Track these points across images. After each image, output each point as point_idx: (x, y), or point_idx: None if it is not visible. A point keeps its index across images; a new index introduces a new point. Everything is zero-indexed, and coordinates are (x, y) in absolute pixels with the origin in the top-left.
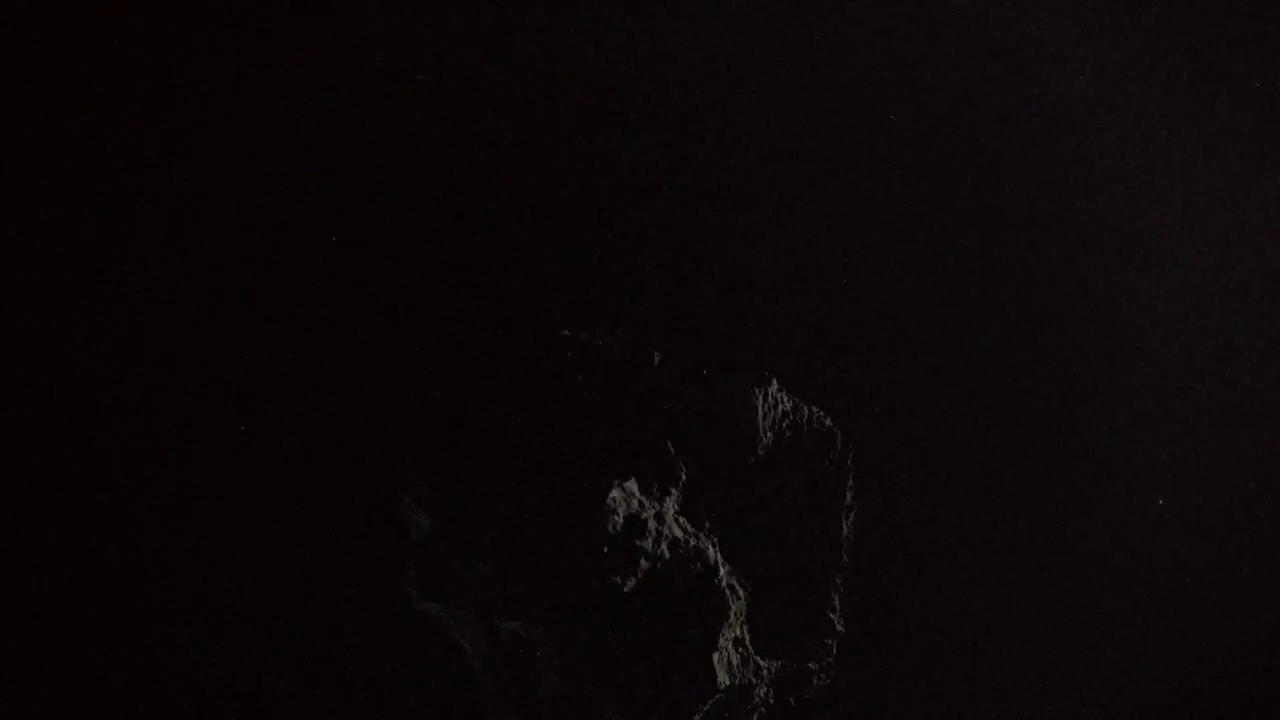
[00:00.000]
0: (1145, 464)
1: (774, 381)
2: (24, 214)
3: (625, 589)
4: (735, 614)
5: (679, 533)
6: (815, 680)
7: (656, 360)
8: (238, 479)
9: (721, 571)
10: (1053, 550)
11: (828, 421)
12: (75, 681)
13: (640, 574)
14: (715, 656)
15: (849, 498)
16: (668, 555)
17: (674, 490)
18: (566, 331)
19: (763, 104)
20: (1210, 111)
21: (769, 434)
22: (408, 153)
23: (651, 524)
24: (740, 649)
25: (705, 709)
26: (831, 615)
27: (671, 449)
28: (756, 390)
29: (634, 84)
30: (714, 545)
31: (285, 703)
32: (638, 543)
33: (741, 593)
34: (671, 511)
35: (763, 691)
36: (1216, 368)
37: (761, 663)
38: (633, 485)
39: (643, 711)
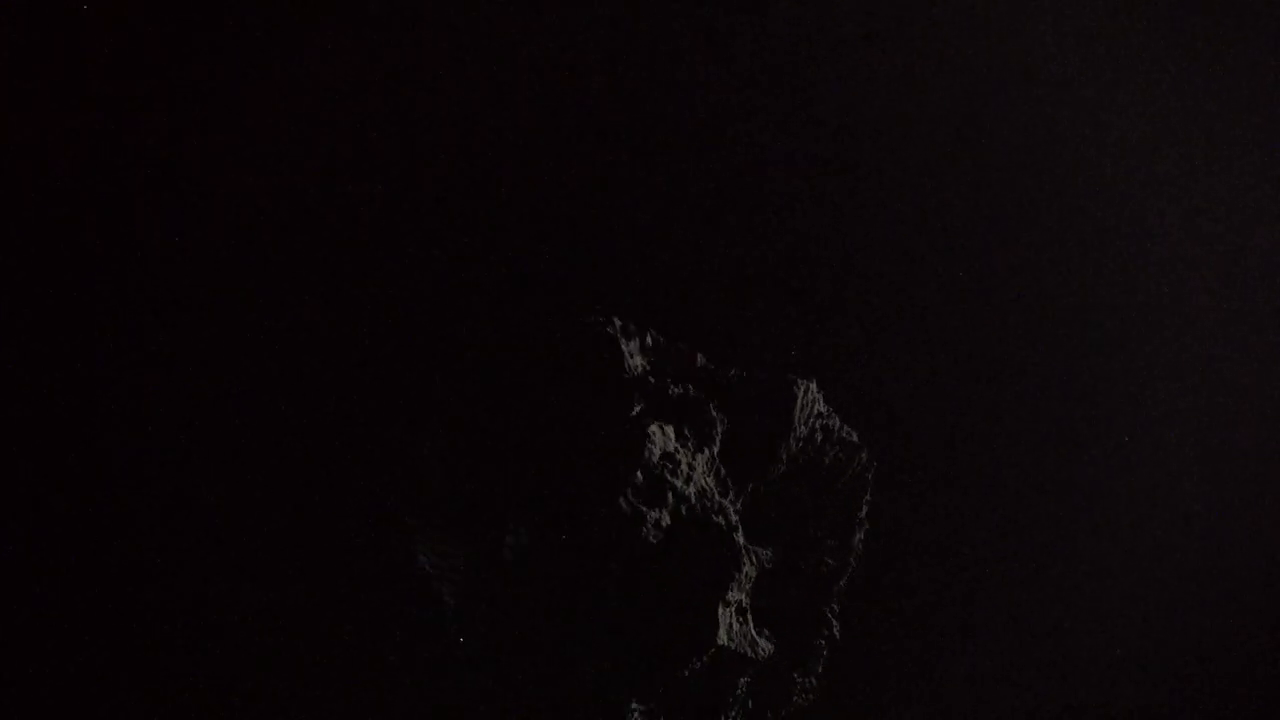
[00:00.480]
0: (1146, 466)
1: (814, 381)
2: (24, 214)
3: (650, 517)
4: (745, 576)
5: (706, 485)
6: (795, 698)
7: (700, 361)
8: (239, 462)
9: (740, 532)
10: (1053, 552)
11: (854, 436)
12: (75, 681)
13: (669, 508)
14: (720, 609)
15: (864, 510)
16: (694, 502)
17: (708, 449)
18: (618, 320)
19: (767, 108)
20: (1212, 112)
21: (803, 427)
22: (431, 150)
23: (684, 466)
24: (742, 618)
25: (696, 665)
26: (830, 615)
27: (712, 410)
28: (799, 382)
29: (666, 89)
30: (735, 512)
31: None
32: (669, 478)
33: (755, 559)
34: (702, 467)
35: (744, 685)
36: (1219, 370)
37: (758, 639)
38: (671, 431)
39: (639, 650)
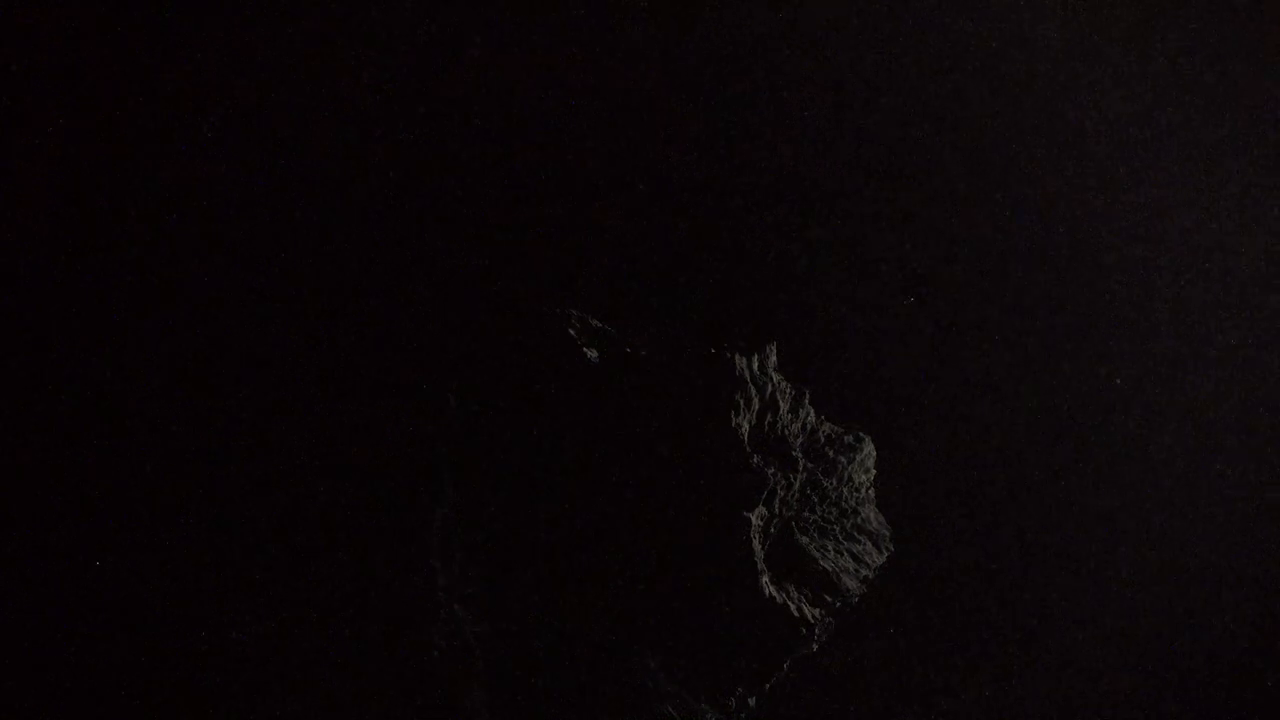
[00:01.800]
0: (1148, 468)
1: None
2: (24, 214)
3: (750, 391)
4: (792, 495)
5: (786, 415)
6: (734, 707)
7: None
8: (243, 472)
9: (803, 460)
10: (1056, 553)
11: (884, 518)
12: (75, 681)
13: (764, 397)
14: (759, 508)
15: (874, 571)
16: (778, 415)
17: (793, 413)
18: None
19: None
20: (1215, 113)
21: (858, 474)
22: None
23: (784, 386)
24: (764, 540)
25: (714, 548)
26: (821, 615)
27: (807, 399)
28: (865, 436)
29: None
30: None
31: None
32: (773, 375)
33: (795, 497)
34: (786, 412)
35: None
36: (1222, 371)
37: (763, 556)
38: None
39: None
